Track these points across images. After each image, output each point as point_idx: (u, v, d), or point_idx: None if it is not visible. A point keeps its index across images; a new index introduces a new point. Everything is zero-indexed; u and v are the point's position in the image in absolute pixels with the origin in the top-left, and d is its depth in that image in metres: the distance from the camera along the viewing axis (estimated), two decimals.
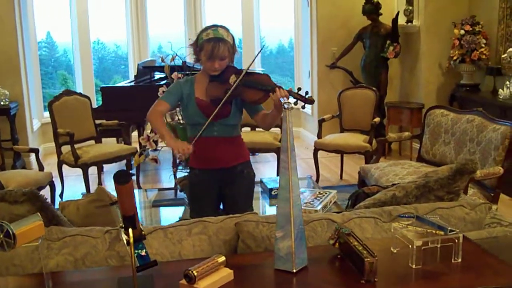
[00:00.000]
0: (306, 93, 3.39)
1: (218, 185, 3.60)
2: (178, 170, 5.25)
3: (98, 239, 2.34)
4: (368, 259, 1.87)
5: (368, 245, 1.98)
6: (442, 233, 2.05)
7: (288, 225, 2.00)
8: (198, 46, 3.41)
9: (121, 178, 1.79)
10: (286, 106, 1.98)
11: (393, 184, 3.03)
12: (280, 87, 3.30)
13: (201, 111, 3.44)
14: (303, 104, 3.39)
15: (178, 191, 5.18)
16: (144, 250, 1.96)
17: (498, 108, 5.92)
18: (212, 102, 3.41)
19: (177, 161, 4.94)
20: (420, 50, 7.51)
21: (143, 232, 1.95)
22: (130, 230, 1.84)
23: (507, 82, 6.19)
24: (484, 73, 6.94)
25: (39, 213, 2.03)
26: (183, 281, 1.85)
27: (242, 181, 3.61)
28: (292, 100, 3.33)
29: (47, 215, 2.52)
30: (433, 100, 7.31)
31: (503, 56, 6.41)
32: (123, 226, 1.92)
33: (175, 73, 4.45)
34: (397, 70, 8.18)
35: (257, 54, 3.91)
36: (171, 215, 5.18)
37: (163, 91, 4.50)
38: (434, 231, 2.06)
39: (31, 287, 2.04)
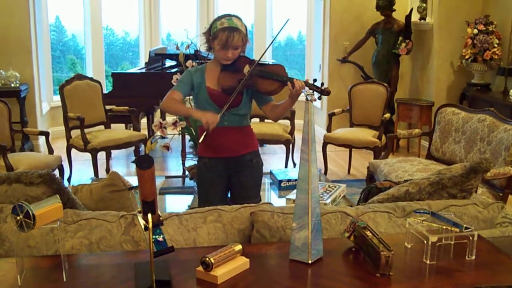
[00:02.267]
0: (322, 84, 3.39)
1: (226, 173, 3.61)
2: (187, 158, 5.26)
3: (113, 223, 2.36)
4: (384, 252, 1.88)
5: (385, 239, 2.00)
6: (457, 230, 2.05)
7: (305, 216, 2.01)
8: (211, 35, 3.41)
9: (144, 163, 1.80)
10: (308, 98, 1.98)
11: (406, 180, 3.04)
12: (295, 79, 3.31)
13: (211, 100, 3.45)
14: (318, 95, 3.39)
15: (187, 179, 5.18)
16: (161, 236, 1.97)
17: (508, 109, 5.91)
18: (224, 91, 3.42)
19: (190, 146, 4.94)
20: (432, 47, 7.50)
21: (160, 218, 1.96)
22: (149, 215, 1.85)
23: None
24: (496, 73, 6.93)
25: (58, 196, 2.05)
26: (200, 268, 1.87)
27: (251, 170, 3.62)
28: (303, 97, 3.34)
29: (62, 198, 2.52)
30: (443, 98, 7.31)
31: None
32: (140, 211, 1.93)
33: (190, 61, 4.45)
34: (408, 66, 8.17)
35: (274, 38, 3.89)
36: (178, 203, 5.19)
37: (177, 79, 4.53)
38: (449, 228, 2.07)
39: (48, 268, 2.06)
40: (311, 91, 3.34)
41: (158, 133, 4.47)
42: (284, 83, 3.35)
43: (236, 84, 3.37)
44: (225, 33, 3.34)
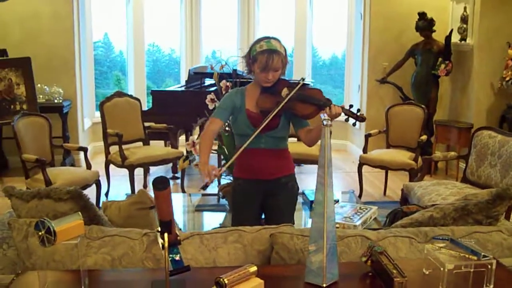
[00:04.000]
0: (358, 110, 3.41)
1: (261, 196, 3.62)
2: (222, 177, 5.31)
3: (136, 241, 2.41)
4: (398, 279, 1.88)
5: (400, 264, 1.99)
6: (475, 258, 2.04)
7: (321, 239, 2.02)
8: (251, 57, 3.44)
9: (159, 184, 1.85)
10: (325, 122, 2.00)
11: (433, 205, 3.02)
12: (333, 104, 3.33)
13: (250, 122, 3.47)
14: (354, 121, 3.40)
15: (221, 197, 5.23)
16: (178, 255, 2.01)
17: None
18: (262, 113, 3.44)
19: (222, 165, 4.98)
20: (473, 69, 7.42)
21: (178, 238, 2.00)
22: (165, 235, 1.89)
23: None
24: None
25: (80, 212, 2.11)
26: None
27: (286, 193, 3.62)
28: (343, 116, 3.37)
29: (88, 214, 2.60)
30: (483, 120, 7.22)
31: None
32: (159, 230, 1.97)
33: (224, 81, 4.51)
34: (448, 88, 8.10)
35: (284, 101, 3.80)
36: (213, 220, 5.25)
37: (211, 99, 4.58)
38: (467, 256, 2.06)
39: (68, 282, 2.11)
40: (346, 116, 3.37)
41: (193, 151, 4.52)
42: (321, 107, 3.37)
43: (274, 106, 3.40)
44: (264, 56, 3.37)
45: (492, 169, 5.01)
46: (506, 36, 7.08)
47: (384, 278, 1.98)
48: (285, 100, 3.37)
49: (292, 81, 3.56)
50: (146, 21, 9.47)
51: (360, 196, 6.52)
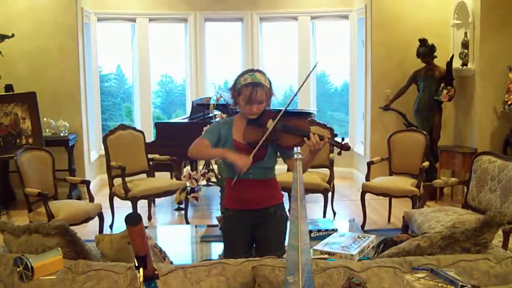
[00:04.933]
0: (342, 139, 3.43)
1: (250, 226, 3.63)
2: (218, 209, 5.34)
3: (120, 275, 2.43)
4: None
5: None
6: (453, 287, 2.04)
7: (297, 272, 2.03)
8: (236, 90, 3.49)
9: (132, 220, 1.87)
10: (295, 156, 2.02)
11: (423, 234, 3.01)
12: (314, 134, 3.35)
13: (237, 152, 3.51)
14: (339, 150, 3.43)
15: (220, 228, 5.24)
16: None
17: None
18: (249, 145, 3.48)
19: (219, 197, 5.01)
20: (475, 93, 7.42)
21: (156, 272, 2.02)
22: (141, 270, 1.91)
23: None
24: None
25: (59, 248, 2.13)
26: None
27: (274, 222, 3.63)
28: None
29: (76, 248, 2.63)
30: (487, 145, 7.19)
31: None
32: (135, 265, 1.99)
33: (219, 113, 4.55)
34: (451, 113, 8.10)
35: (302, 83, 3.91)
36: (218, 251, 5.25)
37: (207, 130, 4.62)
38: (445, 286, 2.06)
39: None
40: (332, 146, 3.40)
41: (189, 184, 4.55)
42: (305, 137, 3.39)
43: (259, 138, 3.43)
44: (248, 89, 3.41)
45: (492, 194, 4.99)
46: (507, 60, 7.09)
47: None
48: (268, 132, 3.39)
49: (277, 113, 3.56)
50: (157, 52, 9.58)
51: (364, 224, 6.50)
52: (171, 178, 7.62)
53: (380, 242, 3.44)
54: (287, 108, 3.50)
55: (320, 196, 6.83)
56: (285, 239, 3.76)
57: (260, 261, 2.46)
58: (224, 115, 4.54)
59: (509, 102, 6.90)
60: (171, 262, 3.45)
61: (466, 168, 7.17)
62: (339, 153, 3.44)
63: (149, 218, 7.01)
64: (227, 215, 3.70)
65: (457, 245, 2.72)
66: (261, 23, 9.51)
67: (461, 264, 2.51)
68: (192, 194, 4.76)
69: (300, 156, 2.03)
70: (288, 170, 6.92)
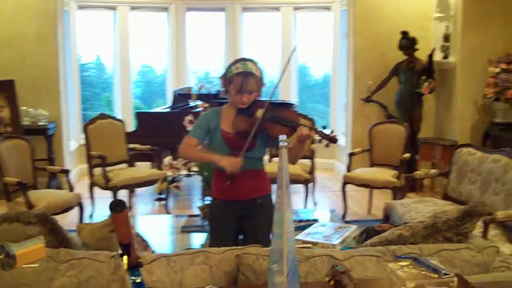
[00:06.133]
0: (331, 132, 3.44)
1: (238, 216, 3.63)
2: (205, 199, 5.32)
3: (103, 263, 2.41)
4: None
5: (364, 284, 2.00)
6: (436, 275, 2.04)
7: (281, 260, 2.02)
8: (227, 79, 3.48)
9: (116, 207, 1.85)
10: (281, 144, 2.01)
11: (405, 223, 3.03)
12: (304, 125, 3.36)
13: (225, 143, 3.50)
14: (327, 142, 3.43)
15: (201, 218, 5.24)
16: (140, 278, 2.00)
17: None
18: (238, 134, 3.47)
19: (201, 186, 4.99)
20: (456, 86, 7.47)
21: (139, 260, 2.00)
22: (125, 257, 1.89)
23: None
24: None
25: (42, 236, 2.11)
26: None
27: (262, 214, 3.62)
28: (317, 137, 3.39)
29: (57, 237, 2.61)
30: (467, 137, 7.24)
31: None
32: (120, 253, 1.97)
33: (201, 102, 4.53)
34: (432, 105, 8.14)
35: (283, 71, 3.91)
36: (198, 241, 5.24)
37: (189, 120, 4.61)
38: (428, 274, 2.06)
39: None
40: (319, 137, 3.39)
41: (170, 173, 4.53)
42: (294, 128, 3.40)
43: (249, 128, 3.43)
44: (240, 78, 3.41)
45: (473, 186, 5.03)
46: (488, 53, 7.14)
47: None
48: (258, 122, 3.39)
49: (266, 102, 3.57)
50: (138, 41, 9.52)
51: (344, 215, 6.53)
52: (152, 168, 7.59)
53: (363, 232, 3.47)
54: (271, 99, 3.51)
55: (301, 187, 6.85)
56: (271, 230, 3.76)
57: (243, 250, 2.45)
58: (206, 105, 4.51)
59: (489, 96, 6.95)
60: (153, 252, 3.44)
61: (446, 160, 7.21)
62: (327, 145, 3.44)
63: (130, 208, 6.97)
64: (215, 206, 3.70)
65: (439, 234, 2.74)
66: (244, 13, 9.49)
67: (443, 253, 2.52)
68: (173, 184, 4.74)
69: (286, 144, 2.02)
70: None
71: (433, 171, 5.77)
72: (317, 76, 11.42)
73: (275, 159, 6.81)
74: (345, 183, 6.58)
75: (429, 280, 2.03)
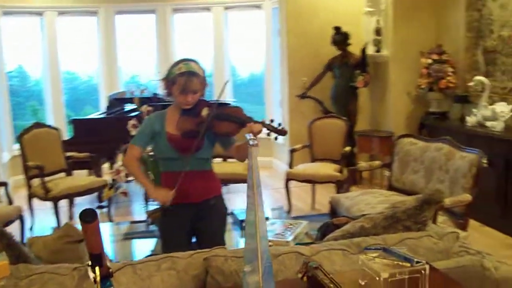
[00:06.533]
0: (279, 124, 3.44)
1: (190, 219, 3.58)
2: (149, 204, 5.25)
3: (66, 276, 2.32)
4: None
5: (336, 277, 2.00)
6: (408, 264, 2.06)
7: (255, 260, 2.00)
8: (170, 80, 3.43)
9: (87, 217, 1.78)
10: (251, 142, 1.99)
11: (363, 215, 3.05)
12: (255, 121, 3.35)
13: (171, 145, 3.46)
14: (276, 135, 3.43)
15: (149, 223, 5.16)
16: None
17: (465, 135, 6.01)
18: (183, 135, 3.42)
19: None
20: (389, 79, 7.62)
21: (110, 270, 1.94)
22: (97, 268, 1.83)
23: (474, 110, 6.31)
24: (452, 101, 7.05)
25: (4, 252, 2.02)
26: None
27: (215, 215, 3.61)
28: (265, 131, 3.39)
29: (14, 252, 2.50)
30: (403, 128, 7.40)
31: (469, 84, 6.51)
32: (89, 264, 1.91)
33: (145, 106, 4.46)
34: (367, 99, 8.28)
35: (223, 87, 3.88)
36: (143, 247, 5.16)
37: (133, 124, 4.52)
38: (400, 263, 2.08)
39: None
40: (268, 131, 3.39)
41: (117, 179, 4.44)
42: (241, 124, 3.38)
43: (195, 127, 3.39)
44: (183, 78, 3.37)
45: (416, 175, 5.13)
46: (419, 45, 7.31)
47: None
48: (206, 120, 3.37)
49: (211, 102, 3.55)
50: (63, 48, 9.29)
51: (289, 211, 6.55)
52: (89, 175, 7.42)
53: (321, 227, 3.47)
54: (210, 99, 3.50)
55: (241, 186, 6.83)
56: (225, 231, 3.74)
57: (211, 252, 2.42)
58: (149, 108, 4.44)
59: (422, 86, 7.11)
60: (111, 260, 3.35)
61: (384, 152, 7.37)
62: (276, 138, 3.44)
63: (70, 218, 6.78)
64: (166, 210, 3.63)
65: (399, 224, 2.77)
66: (174, 14, 9.40)
67: (407, 242, 2.55)
68: (120, 190, 4.64)
69: (256, 142, 2.00)
70: (226, 158, 6.92)
71: (376, 162, 5.87)
72: (246, 75, 11.44)
73: (218, 159, 6.77)
74: (288, 179, 6.60)
75: (402, 269, 2.05)
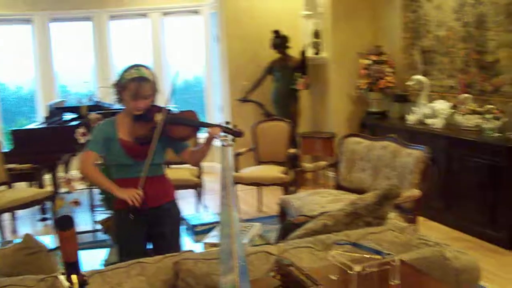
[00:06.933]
0: (235, 126, 3.46)
1: (146, 225, 3.55)
2: (98, 212, 5.18)
3: None
4: (313, 287, 1.91)
5: (312, 274, 2.03)
6: (379, 257, 2.12)
7: (230, 260, 2.01)
8: (121, 86, 3.39)
9: (64, 224, 1.76)
10: (224, 143, 2.00)
11: (322, 213, 3.10)
12: (212, 124, 3.37)
13: (125, 151, 3.42)
14: (232, 137, 3.44)
15: (98, 233, 5.08)
16: None
17: (407, 133, 6.16)
18: (137, 141, 3.40)
19: (99, 200, 4.85)
20: (329, 81, 7.74)
21: (85, 278, 1.92)
22: (74, 276, 1.80)
23: (414, 108, 6.48)
24: (392, 100, 7.22)
25: None
26: None
27: (170, 220, 3.60)
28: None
29: None
30: (344, 128, 7.52)
31: (408, 83, 6.69)
32: (64, 273, 1.88)
33: (93, 114, 4.40)
34: (308, 101, 8.37)
35: (173, 88, 3.85)
36: (91, 258, 5.06)
37: (82, 132, 4.45)
38: (372, 256, 2.13)
39: None
40: (225, 133, 3.40)
41: (69, 189, 4.36)
42: (196, 127, 3.39)
43: (148, 133, 3.37)
44: (134, 83, 3.34)
45: (363, 173, 5.23)
46: (358, 47, 7.46)
47: None
48: (159, 125, 3.35)
49: (163, 107, 3.53)
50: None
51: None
52: (29, 187, 7.24)
53: (282, 228, 3.51)
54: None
55: (187, 192, 6.80)
56: (180, 235, 3.73)
57: (180, 256, 2.41)
58: (98, 116, 4.38)
59: (362, 87, 7.26)
60: None
61: (327, 152, 7.48)
62: (233, 140, 3.45)
63: (13, 231, 6.61)
64: (120, 217, 3.58)
65: (360, 220, 2.83)
66: (111, 21, 9.28)
67: (370, 237, 2.61)
68: (71, 200, 4.56)
69: (230, 142, 2.02)
70: (170, 164, 6.85)
71: (322, 163, 5.95)
72: (187, 81, 11.40)
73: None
74: (234, 183, 6.61)
75: (373, 261, 2.10)
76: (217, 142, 3.33)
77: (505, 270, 4.80)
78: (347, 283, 2.07)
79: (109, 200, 3.46)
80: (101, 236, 5.06)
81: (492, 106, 5.59)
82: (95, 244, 5.26)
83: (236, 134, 3.42)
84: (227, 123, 3.44)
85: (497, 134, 5.41)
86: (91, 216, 6.23)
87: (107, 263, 4.22)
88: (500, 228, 5.26)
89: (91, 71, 9.45)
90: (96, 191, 5.96)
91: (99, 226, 4.92)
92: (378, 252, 2.13)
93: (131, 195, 3.31)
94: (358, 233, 2.65)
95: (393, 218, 4.37)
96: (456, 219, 5.74)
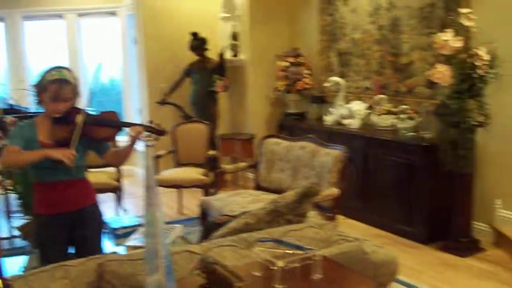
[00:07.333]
0: (158, 125, 3.45)
1: (67, 229, 3.48)
2: (15, 218, 5.04)
3: None
4: (238, 284, 1.95)
5: (236, 271, 2.06)
6: (301, 252, 2.18)
7: (156, 259, 2.02)
8: (41, 87, 3.33)
9: None
10: (148, 144, 2.01)
11: (244, 212, 3.15)
12: (134, 124, 3.35)
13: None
14: (156, 136, 3.44)
15: (16, 239, 4.95)
16: None
17: (325, 134, 6.30)
18: (57, 143, 3.33)
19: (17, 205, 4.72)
20: (247, 83, 7.82)
21: (8, 282, 1.89)
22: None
23: (331, 109, 6.64)
24: (309, 101, 7.36)
25: None
26: None
27: (92, 223, 3.55)
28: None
29: None
30: (263, 130, 7.60)
31: (325, 85, 6.84)
32: None
33: (9, 117, 4.29)
34: (227, 102, 8.42)
35: (94, 85, 3.80)
36: (10, 265, 4.93)
37: None
38: (294, 251, 2.19)
39: None
40: (149, 133, 3.38)
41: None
42: (118, 128, 3.37)
43: (68, 135, 3.31)
44: (55, 85, 3.28)
45: (282, 174, 5.32)
46: (275, 49, 7.58)
47: (222, 286, 2.04)
48: (79, 126, 3.30)
49: (82, 109, 3.49)
50: None
51: None
52: None
53: (204, 228, 3.54)
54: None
55: (106, 196, 6.71)
56: (101, 238, 3.69)
57: (104, 258, 2.41)
58: (14, 119, 4.28)
59: (280, 88, 7.37)
60: None
61: (246, 154, 7.55)
62: (157, 139, 3.44)
63: None
64: (39, 222, 3.50)
65: (281, 218, 2.90)
66: (25, 21, 9.03)
67: (291, 234, 2.68)
68: None
69: (152, 143, 2.03)
70: (104, 166, 6.72)
71: (242, 164, 6.02)
72: (104, 82, 11.24)
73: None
74: None
75: (296, 257, 2.16)
76: (140, 142, 3.31)
77: (421, 264, 5.00)
78: (270, 279, 2.12)
79: (27, 205, 3.37)
80: (19, 242, 4.93)
81: (406, 106, 5.80)
82: (13, 251, 5.10)
83: (160, 133, 3.42)
84: (151, 122, 3.43)
85: (411, 134, 5.62)
86: (7, 223, 6.06)
87: (27, 270, 4.12)
88: (416, 224, 5.46)
89: (4, 73, 9.17)
90: (13, 196, 5.79)
91: (17, 232, 4.79)
92: (300, 248, 2.20)
93: (66, 155, 3.18)
94: (280, 230, 2.71)
95: (313, 216, 4.48)
96: (374, 217, 5.92)
